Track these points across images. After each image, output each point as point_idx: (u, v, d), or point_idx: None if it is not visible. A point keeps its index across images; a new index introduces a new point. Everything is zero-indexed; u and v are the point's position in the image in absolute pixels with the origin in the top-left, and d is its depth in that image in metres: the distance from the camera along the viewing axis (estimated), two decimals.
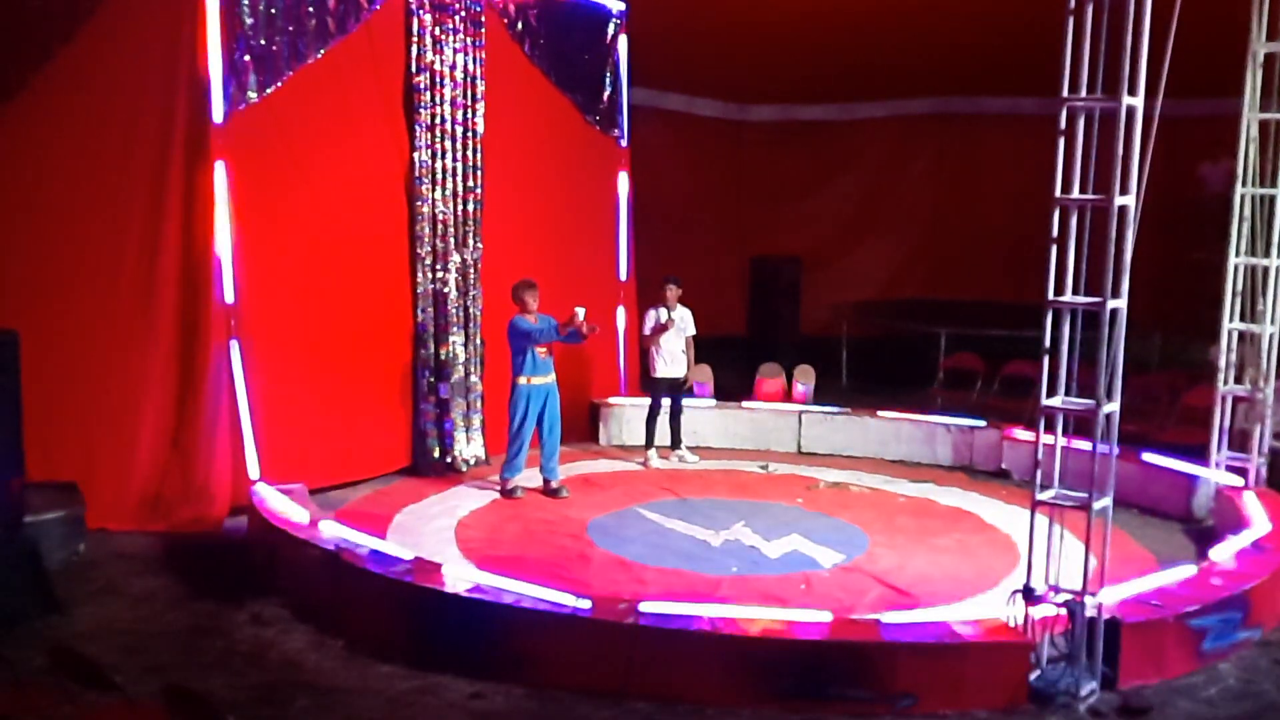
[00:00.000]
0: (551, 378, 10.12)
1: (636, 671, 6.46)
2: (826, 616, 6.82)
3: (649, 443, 11.50)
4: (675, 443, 11.61)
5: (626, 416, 12.23)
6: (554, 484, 10.26)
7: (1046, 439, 6.57)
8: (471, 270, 10.87)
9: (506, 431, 10.17)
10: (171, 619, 7.45)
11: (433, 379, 10.63)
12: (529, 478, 10.29)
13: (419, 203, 10.42)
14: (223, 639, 7.15)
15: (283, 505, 8.51)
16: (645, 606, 6.82)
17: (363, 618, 7.22)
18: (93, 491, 8.67)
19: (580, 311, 9.69)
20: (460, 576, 7.33)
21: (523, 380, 10.01)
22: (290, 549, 7.91)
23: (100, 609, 7.54)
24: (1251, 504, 8.95)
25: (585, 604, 6.89)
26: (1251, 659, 7.06)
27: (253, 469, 9.13)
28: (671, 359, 11.39)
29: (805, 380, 13.38)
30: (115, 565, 8.30)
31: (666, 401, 11.50)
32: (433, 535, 9.08)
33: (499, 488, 10.23)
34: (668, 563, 8.54)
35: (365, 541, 7.80)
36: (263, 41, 9.14)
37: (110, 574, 8.14)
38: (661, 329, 11.29)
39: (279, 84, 9.28)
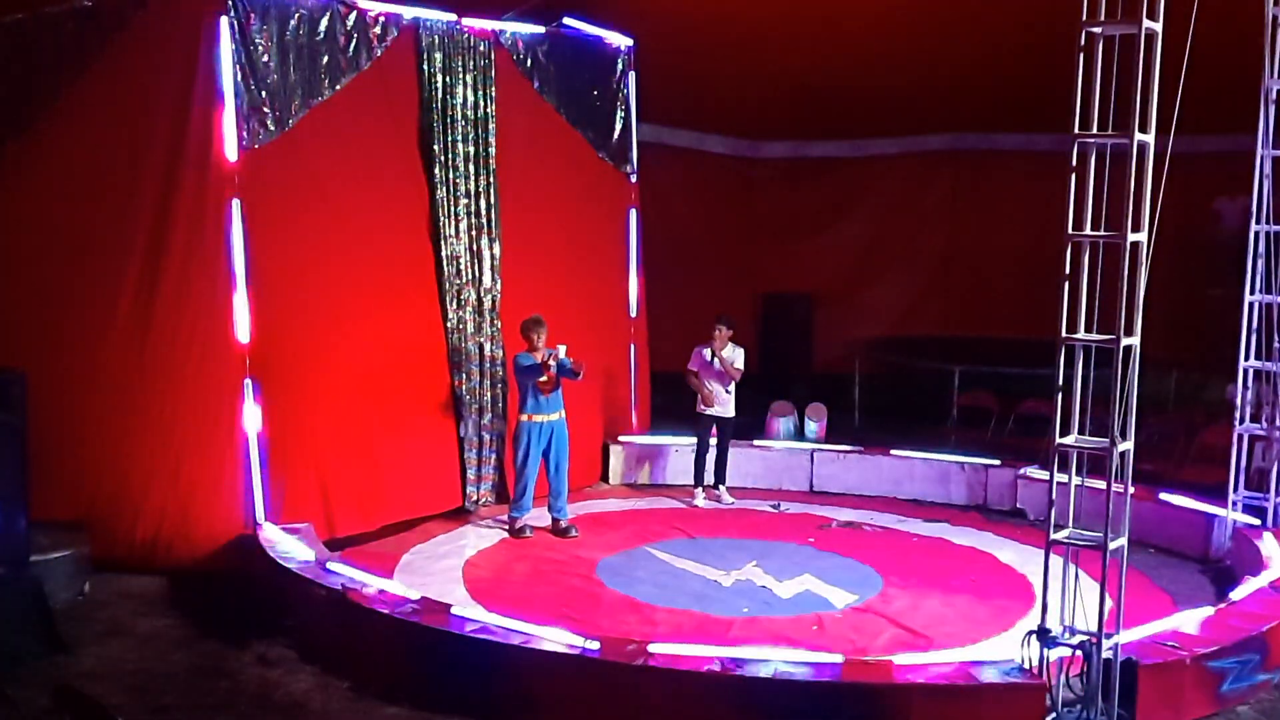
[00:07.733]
0: (558, 415, 10.06)
1: (646, 714, 6.37)
2: (839, 658, 6.75)
3: (697, 481, 11.42)
4: (718, 480, 11.50)
5: (637, 455, 12.17)
6: (563, 523, 10.19)
7: (1061, 478, 6.50)
8: (488, 308, 10.84)
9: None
10: (177, 659, 7.40)
11: (452, 418, 10.59)
12: (538, 517, 10.22)
13: (436, 239, 10.42)
14: (228, 680, 7.10)
15: (289, 545, 8.46)
16: (655, 648, 6.76)
17: (369, 658, 7.17)
18: (99, 530, 8.64)
19: (561, 349, 9.70)
20: (468, 617, 7.26)
21: (524, 417, 9.97)
22: (296, 589, 7.85)
23: (105, 649, 7.49)
24: (1270, 544, 8.84)
25: (594, 645, 6.83)
26: (1271, 702, 6.97)
27: (259, 509, 9.01)
28: (717, 398, 11.26)
29: (817, 418, 13.31)
30: (121, 605, 8.27)
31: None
32: (440, 575, 9.02)
33: (508, 527, 10.17)
34: (678, 603, 8.47)
35: (372, 581, 7.76)
36: (276, 78, 9.16)
37: (116, 614, 8.11)
38: (699, 386, 11.20)
39: (293, 122, 9.29)
